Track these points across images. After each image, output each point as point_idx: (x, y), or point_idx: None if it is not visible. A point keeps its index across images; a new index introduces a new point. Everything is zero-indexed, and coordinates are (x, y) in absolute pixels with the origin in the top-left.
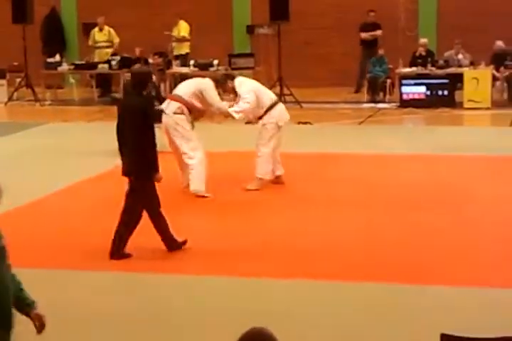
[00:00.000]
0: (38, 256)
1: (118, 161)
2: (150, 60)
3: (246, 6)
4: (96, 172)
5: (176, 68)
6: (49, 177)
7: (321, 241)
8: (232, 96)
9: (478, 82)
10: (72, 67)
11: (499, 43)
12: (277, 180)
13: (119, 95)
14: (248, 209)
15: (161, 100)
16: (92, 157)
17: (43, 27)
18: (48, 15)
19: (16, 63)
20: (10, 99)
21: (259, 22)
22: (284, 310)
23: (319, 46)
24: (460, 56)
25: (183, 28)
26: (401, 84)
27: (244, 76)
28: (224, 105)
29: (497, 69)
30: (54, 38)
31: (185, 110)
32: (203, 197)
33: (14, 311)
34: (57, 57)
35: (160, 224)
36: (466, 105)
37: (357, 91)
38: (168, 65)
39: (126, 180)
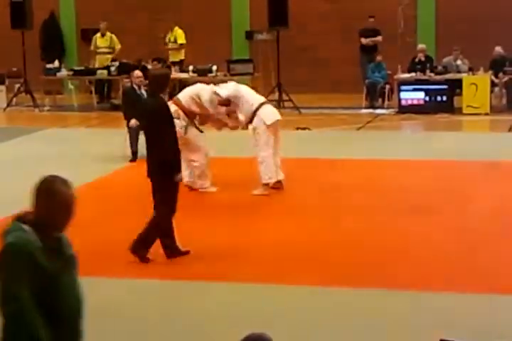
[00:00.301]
0: None
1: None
2: (149, 66)
3: (245, 11)
4: (94, 177)
5: (175, 74)
6: None
7: (319, 247)
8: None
9: (477, 87)
10: (71, 72)
11: (498, 49)
12: (277, 185)
13: (118, 101)
14: (246, 215)
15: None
16: (91, 163)
17: (42, 33)
18: (47, 21)
19: (14, 69)
20: (9, 104)
21: (258, 28)
22: (281, 315)
23: (318, 52)
24: (459, 62)
25: (179, 35)
26: (400, 90)
27: (243, 81)
28: (220, 109)
29: (496, 75)
30: (53, 44)
31: (182, 114)
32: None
33: None
34: (56, 63)
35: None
36: (464, 111)
37: None
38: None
39: (125, 184)
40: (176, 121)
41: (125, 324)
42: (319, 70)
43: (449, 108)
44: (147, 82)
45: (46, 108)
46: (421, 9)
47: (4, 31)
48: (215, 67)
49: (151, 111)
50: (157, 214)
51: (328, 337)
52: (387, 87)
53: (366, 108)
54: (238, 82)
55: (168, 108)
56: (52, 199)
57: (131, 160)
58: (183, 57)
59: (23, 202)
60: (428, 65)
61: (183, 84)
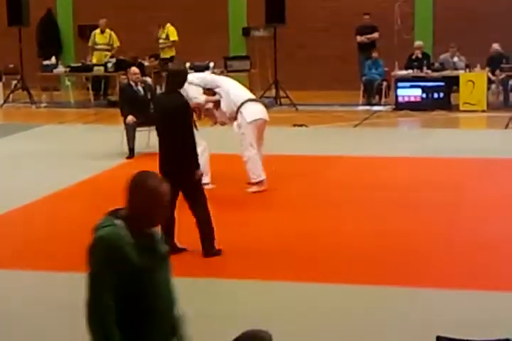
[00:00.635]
0: (49, 258)
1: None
2: (146, 63)
3: (242, 8)
4: (91, 174)
5: None
6: (44, 180)
7: (315, 244)
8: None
9: (474, 84)
10: (67, 69)
11: (495, 46)
12: None
13: (114, 98)
14: (243, 212)
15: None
16: (88, 159)
17: (39, 29)
18: (44, 18)
19: (11, 65)
20: (6, 101)
21: (255, 24)
22: (281, 312)
23: (315, 49)
24: (456, 59)
25: (171, 33)
26: (397, 87)
27: (240, 78)
28: (200, 98)
29: (492, 72)
30: (50, 41)
31: None
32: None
33: None
34: (53, 60)
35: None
36: (461, 108)
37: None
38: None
39: (122, 181)
40: None
41: None
42: (316, 67)
43: (446, 105)
44: (143, 78)
45: (43, 104)
46: (418, 6)
47: (1, 28)
48: (212, 64)
49: (177, 107)
50: (205, 209)
51: (327, 334)
52: (384, 83)
53: (363, 105)
54: (235, 78)
55: (189, 104)
56: (145, 195)
57: (128, 157)
58: (173, 54)
59: (18, 198)
60: (425, 62)
61: None
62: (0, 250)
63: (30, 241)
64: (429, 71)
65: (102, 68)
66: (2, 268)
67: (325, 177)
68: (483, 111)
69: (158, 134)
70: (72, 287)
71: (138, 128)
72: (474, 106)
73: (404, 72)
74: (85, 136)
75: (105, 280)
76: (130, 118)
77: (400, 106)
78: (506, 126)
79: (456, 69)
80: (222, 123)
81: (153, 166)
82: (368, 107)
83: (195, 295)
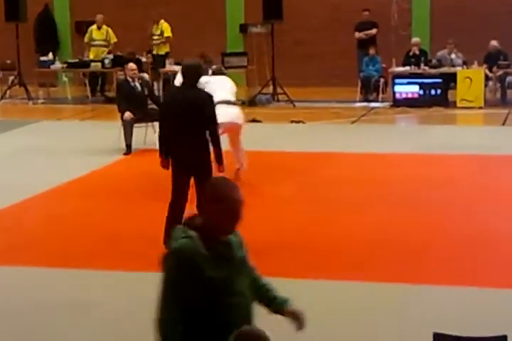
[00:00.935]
0: (39, 255)
1: None
2: (143, 59)
3: (239, 4)
4: (88, 170)
5: (170, 67)
6: (41, 176)
7: (312, 241)
8: None
9: (471, 81)
10: (65, 65)
11: (494, 43)
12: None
13: (111, 94)
14: None
15: (155, 99)
16: (85, 155)
17: (36, 25)
18: (41, 14)
19: (8, 61)
20: (2, 97)
21: (253, 21)
22: None
23: (313, 45)
24: (453, 55)
25: (166, 29)
26: (394, 84)
27: (238, 75)
28: None
29: (490, 69)
30: (47, 36)
31: None
32: None
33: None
34: (50, 56)
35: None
36: (459, 104)
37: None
38: (162, 63)
39: (119, 177)
40: None
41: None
42: (314, 63)
43: (444, 101)
44: (140, 74)
45: (40, 100)
46: (415, 2)
47: None
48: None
49: (205, 99)
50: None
51: (323, 330)
52: (382, 80)
53: (360, 101)
54: (232, 75)
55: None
56: (222, 205)
57: (125, 153)
58: (168, 50)
59: (15, 194)
60: (422, 59)
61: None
62: None
63: (27, 237)
64: (426, 68)
65: (99, 64)
66: None
67: (322, 173)
68: (481, 107)
69: (179, 128)
70: (68, 284)
71: (135, 125)
72: (471, 103)
73: (401, 69)
74: (82, 132)
75: (177, 293)
76: (127, 114)
77: (398, 103)
78: (503, 123)
79: (453, 66)
80: None
81: (151, 162)
82: (365, 104)
83: None
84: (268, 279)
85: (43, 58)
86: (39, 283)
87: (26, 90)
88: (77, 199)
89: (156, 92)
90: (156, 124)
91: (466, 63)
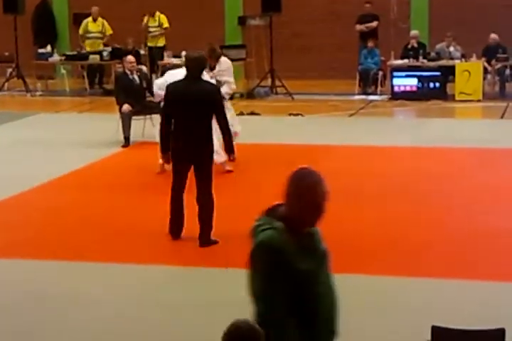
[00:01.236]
0: (43, 247)
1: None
2: (142, 52)
3: None
4: (86, 163)
5: (168, 59)
6: (39, 168)
7: None
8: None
9: (470, 74)
10: (63, 57)
11: (494, 36)
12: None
13: (110, 86)
14: (232, 200)
15: (153, 92)
16: (83, 148)
17: (34, 17)
18: (39, 6)
19: (6, 53)
20: (0, 89)
21: (251, 13)
22: None
23: (311, 38)
24: (452, 48)
25: (164, 20)
26: (392, 77)
27: (236, 67)
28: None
29: (488, 62)
30: (45, 29)
31: None
32: None
33: None
34: (49, 48)
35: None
36: (457, 97)
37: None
38: (161, 56)
39: (117, 169)
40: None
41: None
42: (312, 56)
43: (442, 94)
44: (139, 67)
45: (38, 93)
46: None
47: None
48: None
49: (213, 91)
50: (209, 197)
51: None
52: (380, 73)
53: (359, 94)
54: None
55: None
56: (304, 195)
57: (123, 146)
58: (164, 43)
59: (15, 186)
60: (421, 52)
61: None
62: None
63: (25, 229)
64: (425, 60)
65: (97, 57)
66: None
67: (320, 166)
68: (479, 100)
69: (182, 121)
70: (67, 276)
71: (133, 117)
72: (470, 96)
73: (400, 62)
74: (80, 124)
75: (273, 284)
76: (126, 106)
77: (396, 96)
78: (502, 116)
79: (452, 58)
80: None
81: (150, 154)
82: (363, 97)
83: (189, 284)
84: None
85: (41, 50)
86: (37, 276)
87: (24, 82)
88: (75, 192)
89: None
90: (155, 117)
91: (464, 56)
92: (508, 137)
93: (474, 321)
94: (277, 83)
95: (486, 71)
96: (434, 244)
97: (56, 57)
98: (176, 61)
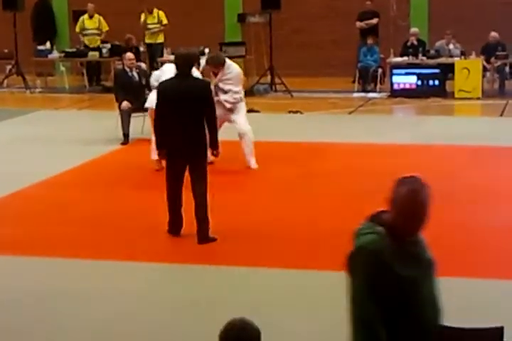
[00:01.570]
0: (36, 245)
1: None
2: (141, 48)
3: None
4: (85, 160)
5: (167, 56)
6: (38, 165)
7: (308, 230)
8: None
9: (469, 72)
10: (62, 54)
11: (494, 34)
12: None
13: (109, 83)
14: (232, 197)
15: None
16: (82, 145)
17: (34, 14)
18: (39, 3)
19: (6, 50)
20: (0, 86)
21: (251, 10)
22: (271, 300)
23: (311, 35)
24: (451, 46)
25: (163, 16)
26: (392, 74)
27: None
28: None
29: (487, 60)
30: (44, 26)
31: None
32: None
33: None
34: (48, 45)
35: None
36: (456, 95)
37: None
38: (160, 53)
39: (116, 166)
40: None
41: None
42: (312, 53)
43: (441, 92)
44: (138, 64)
45: (37, 90)
46: None
47: None
48: (207, 50)
49: (204, 88)
50: (204, 194)
51: (316, 321)
52: (380, 70)
53: (358, 92)
54: None
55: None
56: (408, 202)
57: (122, 143)
58: (163, 39)
59: (14, 183)
60: (420, 49)
61: None
62: None
63: (24, 226)
64: (424, 58)
65: (96, 53)
66: None
67: (320, 164)
68: (478, 98)
69: (178, 117)
70: (63, 273)
71: (132, 114)
72: (469, 94)
73: (399, 59)
74: (80, 121)
75: (372, 290)
76: (125, 103)
77: (395, 94)
78: (501, 114)
79: (451, 56)
80: None
81: (148, 152)
82: (363, 94)
83: (188, 282)
84: (268, 270)
85: (40, 47)
86: (33, 272)
87: (24, 79)
88: (74, 189)
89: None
90: None
91: (464, 54)
92: (508, 135)
93: (473, 319)
94: (277, 80)
95: (485, 69)
96: (433, 241)
97: (55, 54)
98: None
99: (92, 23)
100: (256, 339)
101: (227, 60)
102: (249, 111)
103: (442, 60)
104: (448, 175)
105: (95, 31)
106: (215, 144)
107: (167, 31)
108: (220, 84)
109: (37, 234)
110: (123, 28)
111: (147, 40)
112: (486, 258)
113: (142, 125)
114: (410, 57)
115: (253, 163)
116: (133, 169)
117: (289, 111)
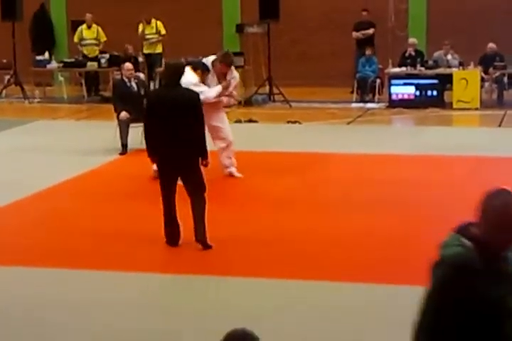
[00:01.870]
0: (33, 255)
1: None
2: (140, 59)
3: (236, 4)
4: (84, 170)
5: None
6: (36, 175)
7: (307, 240)
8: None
9: (467, 82)
10: (61, 64)
11: (491, 45)
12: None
13: (108, 94)
14: (235, 208)
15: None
16: (81, 155)
17: (32, 24)
18: (37, 13)
19: (4, 60)
20: None
21: (249, 21)
22: (274, 311)
23: (309, 45)
24: (449, 56)
25: (161, 27)
26: (390, 84)
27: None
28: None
29: (485, 71)
30: (43, 36)
31: None
32: None
33: None
34: (46, 55)
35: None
36: (455, 106)
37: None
38: (159, 63)
39: (115, 176)
40: None
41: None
42: (310, 64)
43: (440, 103)
44: (137, 74)
45: (36, 100)
46: (412, 3)
47: None
48: (204, 60)
49: (192, 98)
50: (203, 197)
51: (318, 333)
52: (378, 81)
53: (357, 102)
54: None
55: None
56: (495, 218)
57: (121, 153)
58: (161, 50)
59: (12, 193)
60: (418, 60)
61: None
62: None
63: (21, 236)
64: (422, 68)
65: (95, 64)
66: None
67: (318, 174)
68: (477, 109)
69: (166, 127)
70: (61, 283)
71: (131, 124)
72: (468, 104)
73: (397, 70)
74: (78, 131)
75: (448, 302)
76: (123, 114)
77: (394, 104)
78: (500, 124)
79: (449, 67)
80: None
81: (147, 162)
82: (361, 104)
83: (187, 292)
84: (266, 281)
85: (38, 57)
86: (31, 283)
87: (22, 89)
88: (72, 199)
89: None
90: None
91: (462, 64)
92: (506, 145)
93: None
94: (275, 91)
95: (483, 79)
96: (428, 252)
97: (54, 65)
98: None
99: (90, 33)
100: None
101: None
102: (247, 121)
103: (440, 70)
104: (446, 185)
105: (94, 41)
106: (204, 154)
107: (165, 41)
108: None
109: (35, 244)
110: (121, 38)
111: (145, 51)
112: None
113: (141, 135)
114: (408, 67)
115: (234, 171)
116: (131, 179)
117: (288, 122)
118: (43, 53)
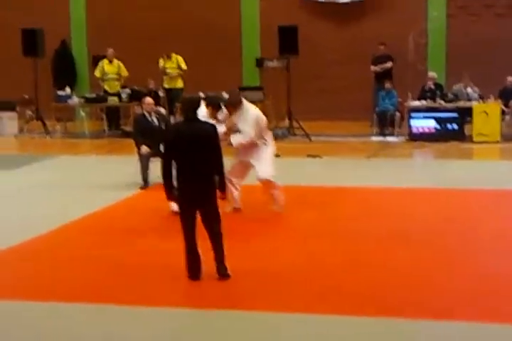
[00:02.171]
0: (48, 289)
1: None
2: (160, 93)
3: (255, 39)
4: (105, 205)
5: None
6: (58, 211)
7: (328, 274)
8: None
9: (488, 115)
10: (82, 100)
11: (511, 79)
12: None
13: (128, 128)
14: (247, 239)
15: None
16: (102, 190)
17: (54, 60)
18: (59, 49)
19: (26, 96)
20: (20, 131)
21: (269, 55)
22: None
23: (328, 79)
24: (469, 89)
25: (182, 62)
26: (410, 118)
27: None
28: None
29: (506, 104)
30: (64, 71)
31: None
32: None
33: None
34: (68, 90)
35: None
36: (475, 139)
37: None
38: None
39: (136, 211)
40: None
41: None
42: (329, 97)
43: (460, 136)
44: (157, 108)
45: (57, 135)
46: (431, 37)
47: (16, 58)
48: (226, 95)
49: (211, 132)
50: (220, 230)
51: None
52: (398, 114)
53: (376, 135)
54: None
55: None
56: None
57: (142, 188)
58: (182, 85)
59: (32, 229)
60: (438, 93)
61: None
62: (9, 281)
63: (42, 270)
64: (442, 102)
65: (116, 98)
66: (8, 299)
67: (339, 208)
68: (497, 142)
69: (185, 161)
70: (86, 318)
71: (152, 159)
72: (488, 137)
73: (417, 103)
74: (99, 166)
75: None
76: (144, 148)
77: (414, 137)
78: None
79: (469, 100)
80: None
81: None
82: (381, 138)
83: (209, 328)
84: (279, 315)
85: (60, 92)
86: (54, 317)
87: (44, 125)
88: (94, 234)
89: None
90: None
91: (482, 97)
92: None
93: None
94: (295, 124)
95: (503, 112)
96: (446, 286)
97: (75, 100)
98: None
99: (112, 68)
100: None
101: (245, 101)
102: None
103: (460, 103)
104: (468, 219)
105: (115, 76)
106: (222, 187)
107: (186, 76)
108: (239, 125)
109: (57, 279)
110: (142, 73)
111: (166, 85)
112: (505, 303)
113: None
114: (428, 100)
115: (277, 208)
116: (153, 214)
117: (308, 155)
118: (64, 88)
